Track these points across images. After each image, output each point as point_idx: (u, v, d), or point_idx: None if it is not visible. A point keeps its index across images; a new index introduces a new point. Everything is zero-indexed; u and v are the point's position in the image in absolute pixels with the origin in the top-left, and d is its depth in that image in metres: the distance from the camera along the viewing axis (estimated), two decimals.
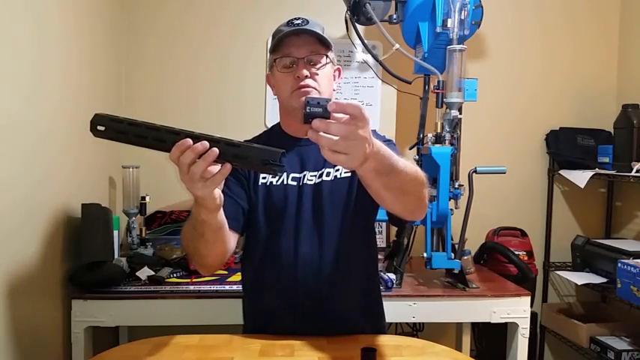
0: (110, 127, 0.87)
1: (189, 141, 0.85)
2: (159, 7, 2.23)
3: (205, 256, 1.10)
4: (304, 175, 1.22)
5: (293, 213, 1.20)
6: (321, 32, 1.19)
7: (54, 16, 1.52)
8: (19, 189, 1.31)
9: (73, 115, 1.62)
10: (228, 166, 0.88)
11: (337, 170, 1.21)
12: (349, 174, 1.21)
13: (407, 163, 0.96)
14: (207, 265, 1.14)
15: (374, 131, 1.36)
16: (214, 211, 0.98)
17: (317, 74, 1.19)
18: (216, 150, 0.85)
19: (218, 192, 0.95)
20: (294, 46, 1.18)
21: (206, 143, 0.85)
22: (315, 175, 1.21)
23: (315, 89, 1.18)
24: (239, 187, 1.22)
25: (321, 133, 0.79)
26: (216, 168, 0.87)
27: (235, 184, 1.21)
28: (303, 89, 1.17)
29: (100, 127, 0.87)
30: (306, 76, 1.17)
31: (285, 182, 1.22)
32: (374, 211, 1.27)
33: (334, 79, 1.27)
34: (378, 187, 0.94)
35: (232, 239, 1.15)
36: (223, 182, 0.92)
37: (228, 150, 0.86)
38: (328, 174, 1.21)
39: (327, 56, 1.21)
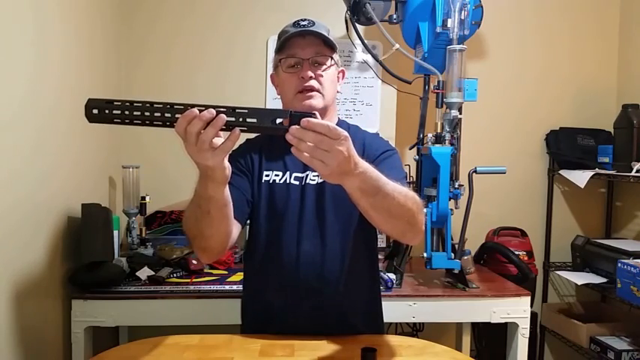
0: (105, 109, 0.86)
1: (196, 110, 0.83)
2: (159, 8, 2.23)
3: (209, 236, 1.06)
4: (307, 175, 1.22)
5: (295, 212, 1.20)
6: (326, 34, 1.20)
7: (54, 16, 1.52)
8: (19, 189, 1.31)
9: (72, 115, 1.62)
10: (237, 132, 0.86)
11: None
12: None
13: (397, 187, 0.98)
14: (209, 249, 1.10)
15: (376, 134, 1.36)
16: (222, 183, 0.96)
17: (321, 76, 1.19)
18: (224, 116, 0.83)
19: (227, 162, 0.93)
20: (300, 47, 1.19)
21: (213, 110, 0.83)
22: (318, 175, 1.21)
23: (319, 91, 1.19)
24: (244, 180, 1.22)
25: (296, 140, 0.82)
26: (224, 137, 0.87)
27: (240, 177, 1.21)
28: (307, 92, 1.18)
29: (94, 111, 0.87)
30: (311, 77, 1.18)
31: (287, 181, 1.22)
32: None
33: (338, 81, 1.27)
34: (365, 205, 0.97)
35: (235, 228, 1.14)
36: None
37: (236, 115, 0.84)
38: None
39: (331, 58, 1.22)
